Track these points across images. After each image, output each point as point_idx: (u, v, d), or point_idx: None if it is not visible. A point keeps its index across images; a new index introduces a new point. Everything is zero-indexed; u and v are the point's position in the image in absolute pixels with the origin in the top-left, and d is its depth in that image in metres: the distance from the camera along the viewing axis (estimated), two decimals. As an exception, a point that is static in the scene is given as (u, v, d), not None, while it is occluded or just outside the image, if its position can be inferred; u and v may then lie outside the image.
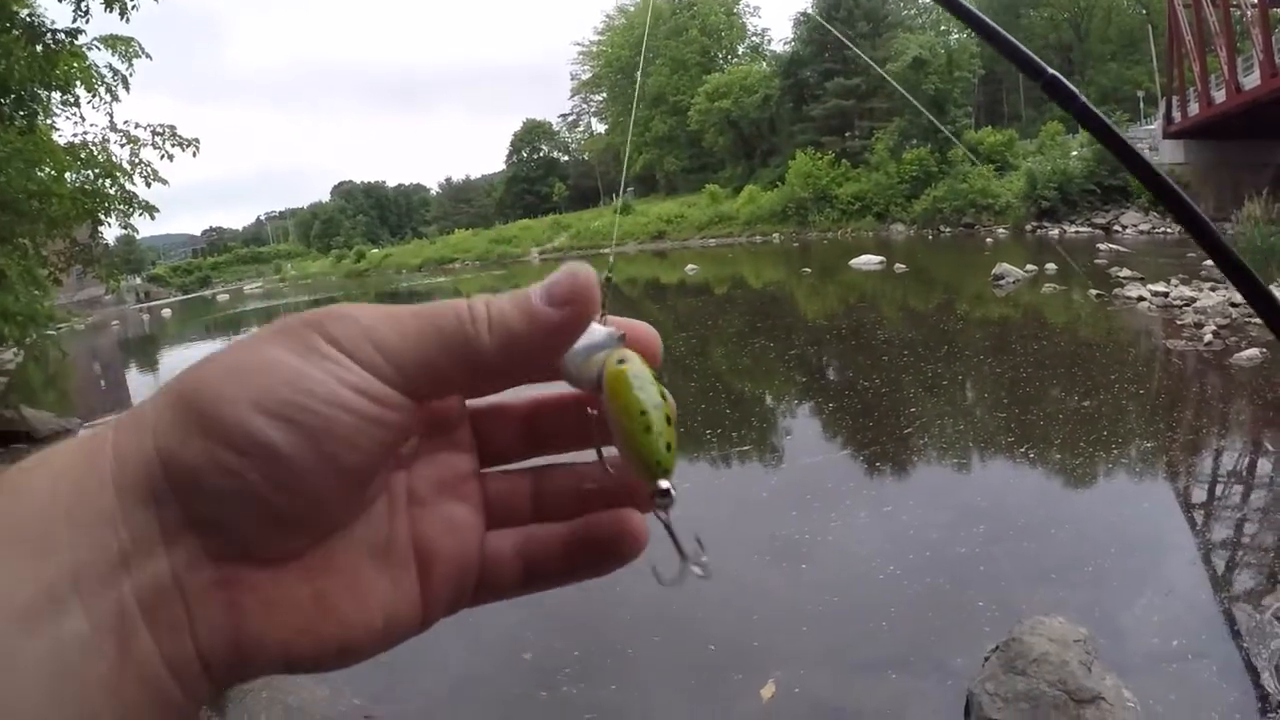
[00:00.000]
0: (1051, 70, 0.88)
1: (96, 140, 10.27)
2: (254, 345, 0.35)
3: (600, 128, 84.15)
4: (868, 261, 25.83)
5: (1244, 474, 7.04)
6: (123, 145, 10.17)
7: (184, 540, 0.33)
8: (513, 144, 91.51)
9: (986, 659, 4.12)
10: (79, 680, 0.30)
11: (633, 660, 4.81)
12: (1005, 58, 0.99)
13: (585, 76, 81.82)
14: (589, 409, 0.42)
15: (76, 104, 9.98)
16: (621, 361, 0.40)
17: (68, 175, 10.23)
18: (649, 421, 0.39)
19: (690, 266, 31.81)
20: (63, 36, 8.61)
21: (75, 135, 10.35)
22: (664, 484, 0.40)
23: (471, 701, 4.62)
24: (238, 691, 4.86)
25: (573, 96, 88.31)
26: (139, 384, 21.70)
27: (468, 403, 0.43)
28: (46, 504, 0.32)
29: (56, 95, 9.77)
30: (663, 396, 0.41)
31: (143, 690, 0.31)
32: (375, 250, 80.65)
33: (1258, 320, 8.22)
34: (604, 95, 79.56)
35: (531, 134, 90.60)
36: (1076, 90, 0.90)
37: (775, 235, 47.68)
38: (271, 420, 0.33)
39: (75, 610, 0.30)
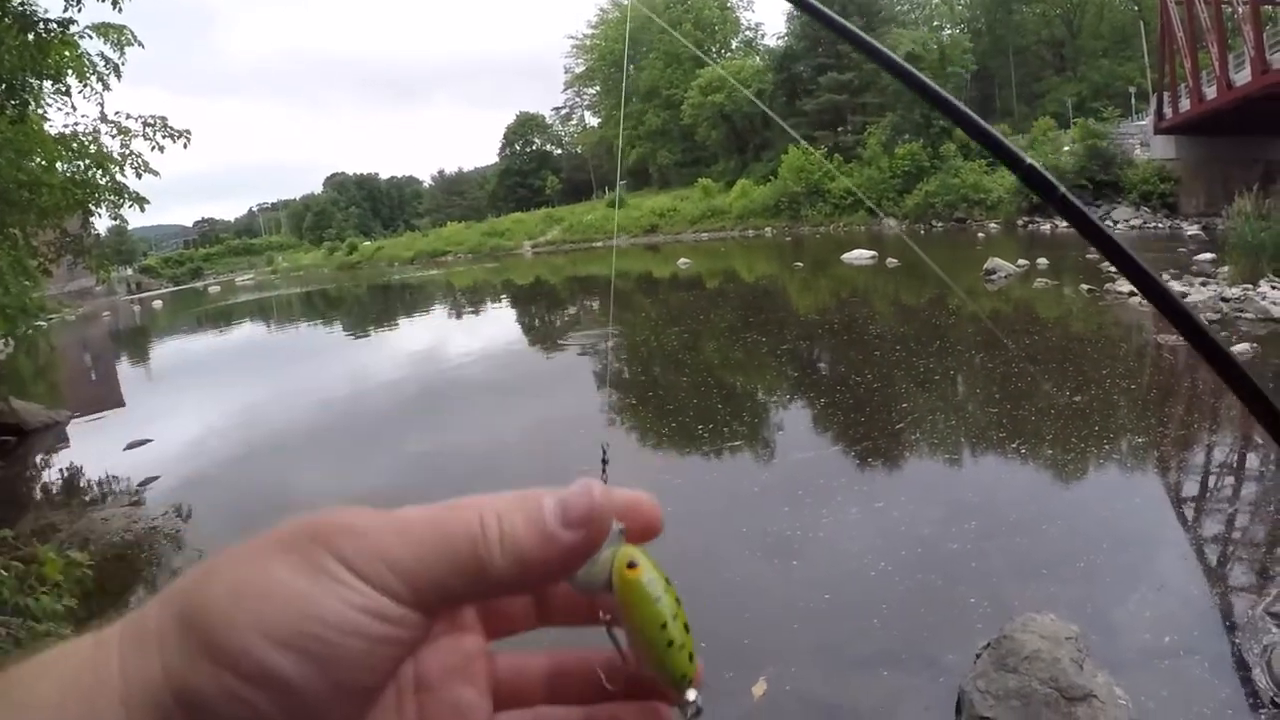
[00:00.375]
0: (1030, 160, 0.88)
1: (88, 131, 10.22)
2: (258, 562, 0.34)
3: (594, 121, 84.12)
4: (860, 256, 25.85)
5: (1234, 469, 7.06)
6: (114, 136, 10.12)
7: None
8: (506, 137, 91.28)
9: (978, 656, 4.12)
10: None
11: (623, 657, 4.79)
12: (977, 143, 0.98)
13: (579, 70, 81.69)
14: (600, 613, 0.42)
15: (68, 93, 9.91)
16: (632, 565, 0.39)
17: (59, 165, 10.18)
18: (670, 636, 0.39)
19: (683, 260, 31.79)
20: (55, 26, 8.54)
21: (66, 126, 10.29)
22: (691, 694, 0.40)
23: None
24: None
25: (566, 90, 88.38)
26: (130, 376, 21.65)
27: None
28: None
29: (48, 85, 9.71)
30: (675, 600, 0.40)
31: None
32: (367, 243, 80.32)
33: (1249, 315, 8.26)
34: (597, 89, 79.46)
35: (524, 127, 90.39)
36: (1055, 181, 0.89)
37: (768, 229, 47.68)
38: (283, 651, 0.32)
39: None
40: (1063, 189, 0.80)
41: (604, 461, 0.45)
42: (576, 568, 0.38)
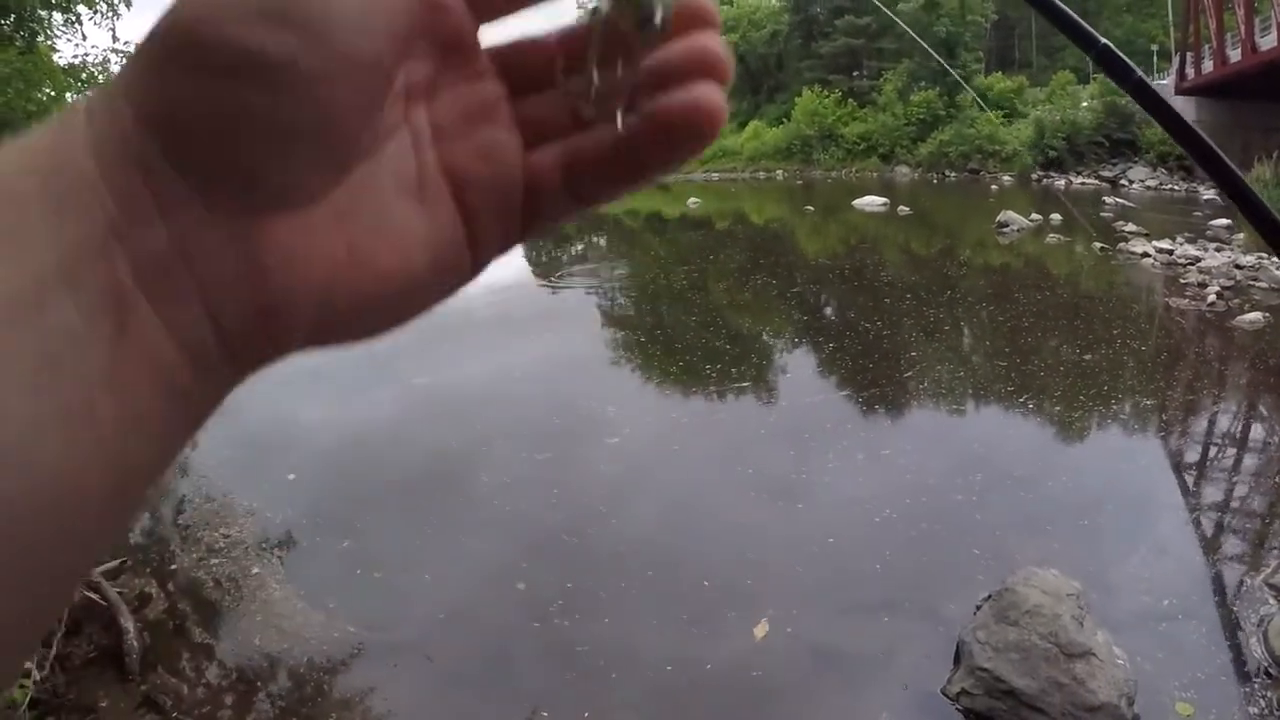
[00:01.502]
0: (1104, 40, 0.82)
1: (97, 61, 10.08)
2: None
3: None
4: (871, 203, 25.64)
5: (1239, 438, 7.06)
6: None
7: (183, 204, 0.26)
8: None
9: (979, 607, 4.15)
10: (71, 373, 0.24)
11: (626, 595, 4.83)
12: (1055, 26, 0.90)
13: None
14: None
15: (78, 22, 9.76)
16: None
17: (68, 96, 10.07)
18: None
19: (692, 200, 31.51)
20: None
21: (75, 57, 10.15)
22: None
23: (464, 631, 4.64)
24: (233, 614, 4.91)
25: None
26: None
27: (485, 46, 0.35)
28: (17, 185, 0.26)
29: (58, 16, 9.56)
30: None
31: (145, 373, 0.26)
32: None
33: (1262, 284, 8.22)
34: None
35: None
36: (1132, 64, 0.83)
37: (779, 172, 47.24)
38: (256, 26, 0.26)
39: (61, 298, 0.24)
40: (1139, 72, 0.76)
41: None
42: None
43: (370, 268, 0.30)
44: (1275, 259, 12.61)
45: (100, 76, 10.05)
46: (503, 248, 0.35)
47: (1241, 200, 0.71)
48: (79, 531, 0.25)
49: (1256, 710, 3.71)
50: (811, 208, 28.05)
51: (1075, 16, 0.73)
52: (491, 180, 0.33)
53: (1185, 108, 33.72)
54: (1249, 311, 9.95)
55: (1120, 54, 0.79)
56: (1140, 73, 0.76)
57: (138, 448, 0.26)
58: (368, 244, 0.30)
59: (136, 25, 12.62)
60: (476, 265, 0.34)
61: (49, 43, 9.88)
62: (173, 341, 0.26)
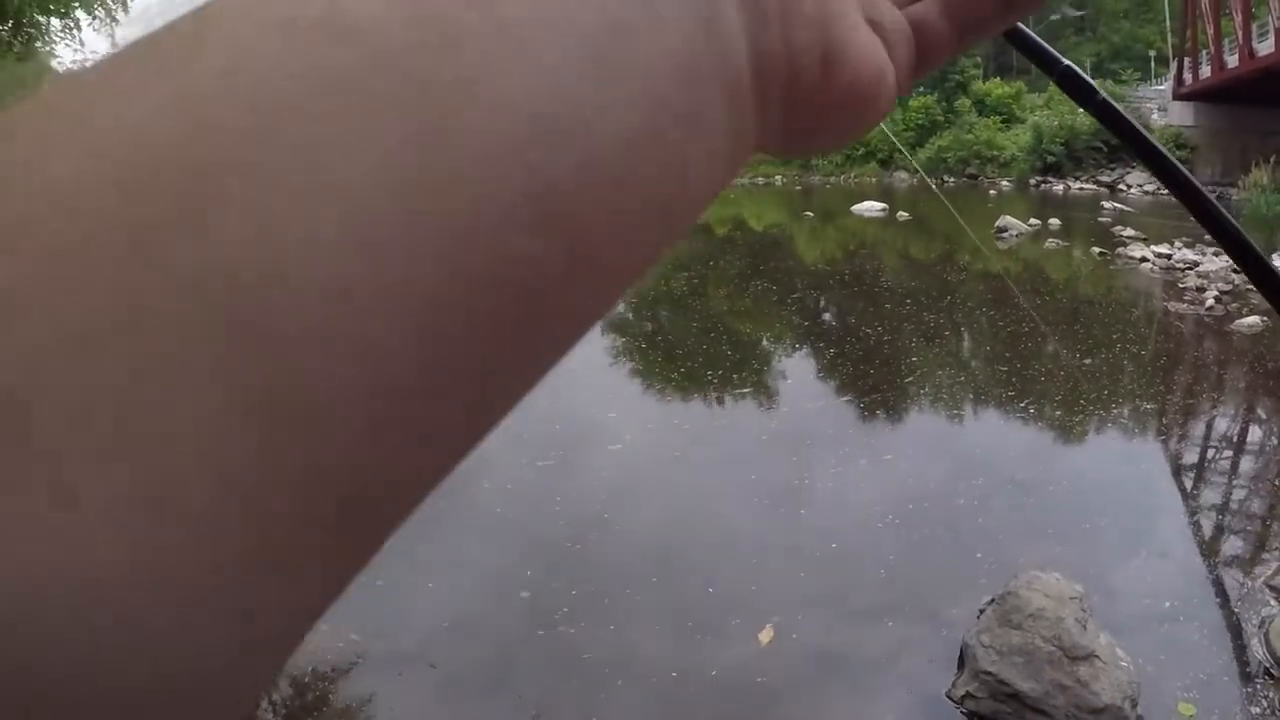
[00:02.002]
0: (1066, 61, 0.82)
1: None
2: None
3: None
4: (870, 208, 25.65)
5: (1238, 441, 7.08)
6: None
7: None
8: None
9: (982, 611, 4.17)
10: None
11: (630, 602, 4.84)
12: (1014, 46, 0.89)
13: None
14: None
15: (77, 28, 9.82)
16: None
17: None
18: None
19: (691, 206, 31.45)
20: None
21: (74, 62, 10.19)
22: None
23: (468, 638, 4.64)
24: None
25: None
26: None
27: None
28: None
29: (56, 21, 9.63)
30: None
31: (713, 64, 0.22)
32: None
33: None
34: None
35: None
36: (1095, 84, 0.84)
37: (778, 177, 47.18)
38: None
39: None
40: (1102, 94, 0.76)
41: None
42: None
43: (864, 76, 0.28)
44: (1274, 265, 12.65)
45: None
46: (916, 73, 0.34)
47: (1211, 221, 0.72)
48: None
49: (1258, 710, 3.73)
50: (811, 213, 28.05)
51: (1035, 37, 0.75)
52: (897, 28, 0.32)
53: (1183, 113, 33.87)
54: (1247, 315, 9.97)
55: (1082, 74, 0.79)
56: (1103, 94, 0.76)
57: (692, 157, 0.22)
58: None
59: (135, 31, 12.65)
60: (902, 85, 0.33)
61: (48, 49, 9.94)
62: (744, 40, 0.23)
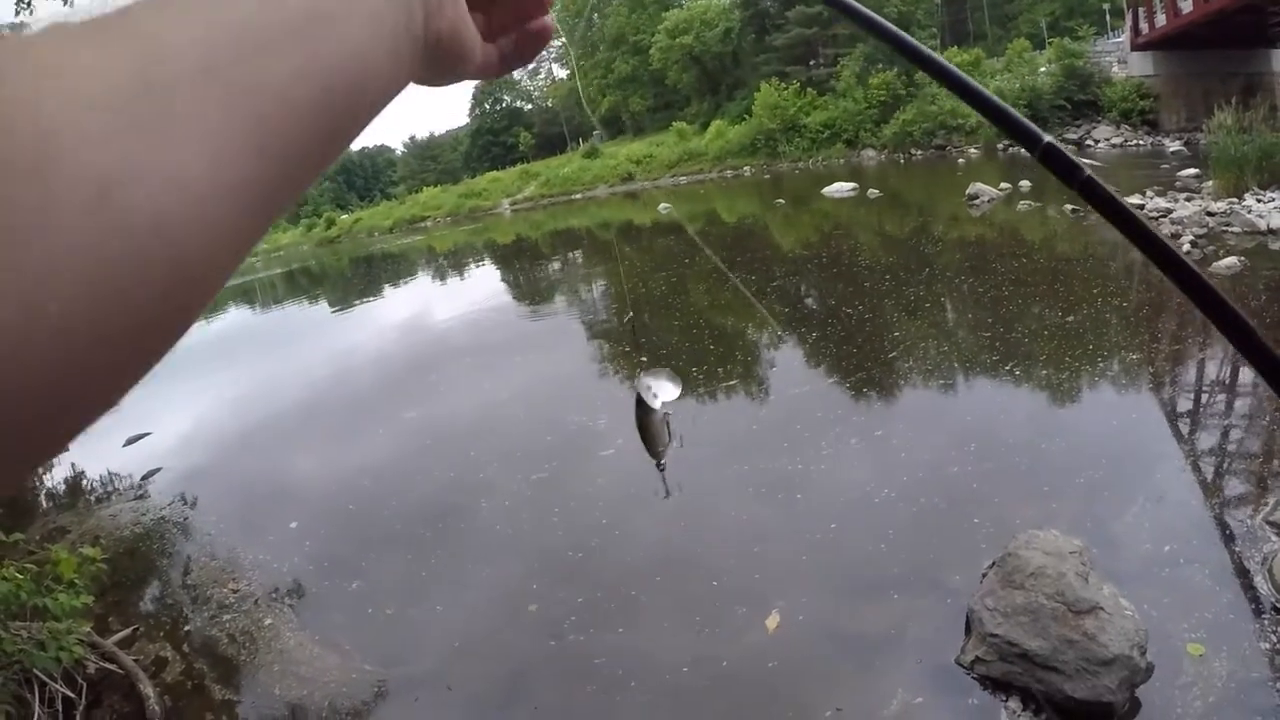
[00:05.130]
0: (1048, 137, 0.80)
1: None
2: None
3: (562, 73, 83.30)
4: (840, 189, 25.71)
5: (1227, 383, 7.09)
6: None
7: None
8: (475, 97, 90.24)
9: (984, 575, 4.19)
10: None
11: (637, 603, 4.86)
12: (991, 122, 0.88)
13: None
14: None
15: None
16: None
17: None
18: None
19: (663, 206, 31.54)
20: None
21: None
22: None
23: (481, 657, 4.65)
24: (250, 667, 4.93)
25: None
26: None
27: None
28: None
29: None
30: None
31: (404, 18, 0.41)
32: (345, 216, 79.37)
33: (1235, 229, 8.26)
34: (562, 41, 78.12)
35: (493, 85, 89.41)
36: (1078, 161, 0.82)
37: (746, 168, 47.26)
38: None
39: None
40: (1088, 172, 0.75)
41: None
42: None
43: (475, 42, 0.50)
44: (1245, 205, 12.73)
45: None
46: (513, 65, 0.59)
47: (1210, 306, 0.69)
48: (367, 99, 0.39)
49: (1268, 645, 3.74)
50: (782, 200, 28.13)
51: (1017, 115, 0.75)
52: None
53: (1143, 63, 33.97)
54: (1225, 257, 10.01)
55: (1065, 151, 0.79)
56: (1089, 171, 0.75)
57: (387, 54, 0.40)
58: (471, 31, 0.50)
59: None
60: (502, 66, 0.58)
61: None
62: (421, 12, 0.43)
